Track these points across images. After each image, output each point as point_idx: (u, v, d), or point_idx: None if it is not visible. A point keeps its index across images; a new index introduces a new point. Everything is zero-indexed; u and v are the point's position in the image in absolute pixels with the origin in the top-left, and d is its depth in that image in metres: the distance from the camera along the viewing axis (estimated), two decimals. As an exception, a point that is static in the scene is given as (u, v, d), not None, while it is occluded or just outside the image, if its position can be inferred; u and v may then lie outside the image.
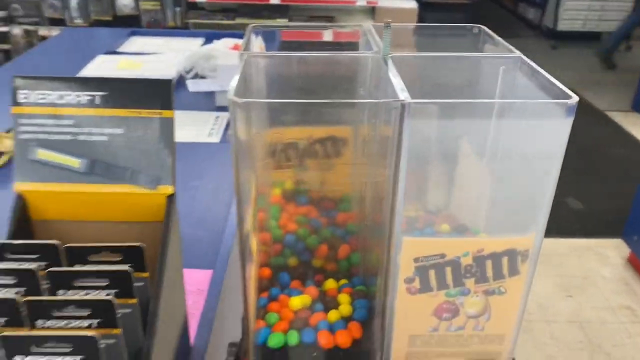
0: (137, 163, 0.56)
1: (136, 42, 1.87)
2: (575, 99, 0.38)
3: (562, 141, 0.39)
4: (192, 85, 1.44)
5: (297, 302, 0.51)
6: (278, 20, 3.05)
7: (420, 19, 3.41)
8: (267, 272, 0.59)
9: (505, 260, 0.44)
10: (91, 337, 0.40)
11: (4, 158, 1.10)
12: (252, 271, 0.49)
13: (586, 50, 4.67)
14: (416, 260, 0.44)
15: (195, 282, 0.80)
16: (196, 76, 1.51)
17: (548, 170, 0.41)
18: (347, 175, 0.63)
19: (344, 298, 0.52)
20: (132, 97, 0.56)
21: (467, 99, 0.41)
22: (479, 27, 0.58)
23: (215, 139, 1.26)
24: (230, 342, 0.54)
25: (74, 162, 0.56)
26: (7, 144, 1.12)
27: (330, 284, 0.55)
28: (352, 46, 0.61)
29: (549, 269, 2.31)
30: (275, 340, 0.47)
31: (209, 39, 1.80)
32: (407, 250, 0.43)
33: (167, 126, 0.56)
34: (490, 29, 0.58)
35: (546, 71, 0.46)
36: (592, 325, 2.02)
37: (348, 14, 3.20)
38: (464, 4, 4.82)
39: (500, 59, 0.49)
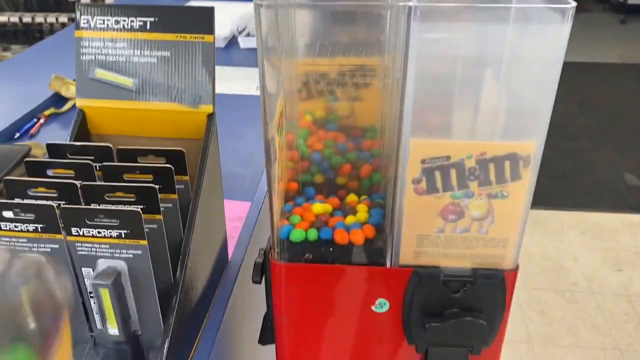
0: (182, 84, 0.62)
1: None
2: (572, 4, 0.41)
3: (561, 46, 0.42)
4: (243, 42, 1.50)
5: (319, 207, 0.56)
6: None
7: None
8: (294, 185, 0.64)
9: (507, 164, 0.47)
10: (136, 212, 0.46)
11: (70, 103, 1.20)
12: (277, 171, 0.54)
13: (657, 25, 4.44)
14: (423, 161, 0.47)
15: (236, 211, 0.87)
16: (248, 35, 1.57)
17: (548, 77, 0.44)
18: (375, 105, 0.67)
19: (362, 207, 0.57)
20: (178, 22, 0.62)
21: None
22: None
23: (263, 92, 1.32)
24: (261, 248, 0.60)
25: (127, 81, 0.63)
26: (73, 90, 1.22)
27: (351, 197, 0.59)
28: None
29: (599, 243, 2.27)
30: (296, 235, 0.53)
31: (262, 2, 1.85)
32: (415, 152, 0.47)
33: (208, 50, 0.62)
34: None
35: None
36: (640, 299, 1.98)
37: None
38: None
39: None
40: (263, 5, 0.44)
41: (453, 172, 0.48)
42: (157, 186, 0.50)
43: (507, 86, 0.47)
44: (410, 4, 0.42)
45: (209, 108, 0.62)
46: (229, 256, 0.75)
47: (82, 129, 0.64)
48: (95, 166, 0.57)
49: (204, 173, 0.58)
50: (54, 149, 0.57)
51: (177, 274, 0.54)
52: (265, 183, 0.93)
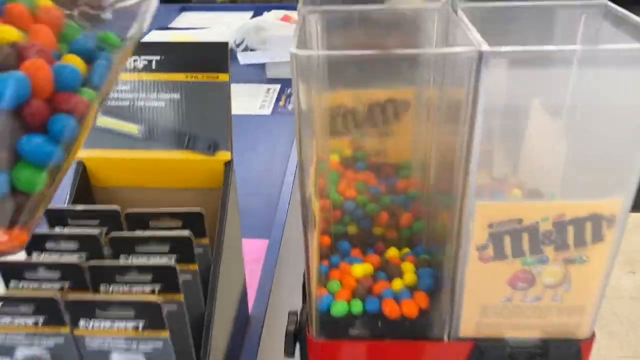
0: (195, 129, 0.55)
1: (187, 18, 1.87)
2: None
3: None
4: (243, 58, 1.43)
5: (360, 270, 0.49)
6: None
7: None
8: (326, 239, 0.57)
9: (588, 225, 0.40)
10: (155, 304, 0.39)
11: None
12: (315, 238, 0.47)
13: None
14: (490, 226, 0.41)
15: (252, 251, 0.80)
16: (246, 49, 1.49)
17: (636, 125, 0.37)
18: (408, 141, 0.60)
19: (407, 266, 0.50)
20: (188, 61, 0.54)
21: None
22: None
23: (267, 111, 1.25)
24: (290, 311, 0.53)
25: (133, 129, 0.55)
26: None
27: (392, 252, 0.52)
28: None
29: (610, 244, 2.21)
30: (338, 309, 0.46)
31: (258, 12, 1.78)
32: (481, 216, 0.40)
33: (224, 90, 0.55)
34: None
35: None
36: (658, 303, 1.93)
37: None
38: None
39: (581, 7, 0.44)
40: (299, 55, 0.37)
41: (525, 237, 0.41)
42: (174, 264, 0.43)
43: (588, 137, 0.40)
44: (483, 49, 0.35)
45: (226, 155, 0.55)
46: (250, 310, 0.68)
47: (83, 182, 0.57)
48: (102, 232, 0.50)
49: (224, 234, 0.51)
50: (52, 215, 0.49)
51: (201, 353, 0.47)
52: (282, 218, 0.86)
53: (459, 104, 0.41)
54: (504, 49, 0.35)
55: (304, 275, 0.50)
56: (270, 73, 1.40)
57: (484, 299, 0.44)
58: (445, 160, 0.52)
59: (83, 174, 0.57)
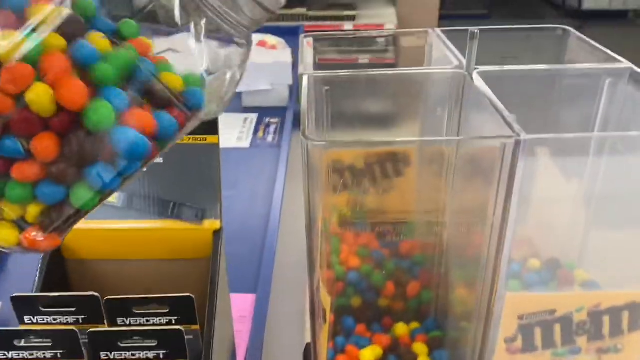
0: (180, 195, 0.50)
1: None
2: None
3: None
4: (218, 86, 1.37)
5: (369, 355, 0.45)
6: (297, 9, 2.97)
7: (441, 2, 3.30)
8: (330, 317, 0.53)
9: (625, 314, 0.37)
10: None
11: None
12: (325, 335, 0.43)
13: (613, 30, 4.51)
14: (520, 317, 0.37)
15: (237, 308, 0.74)
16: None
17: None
18: (410, 198, 0.56)
19: (420, 348, 0.46)
20: (172, 121, 0.49)
21: (579, 131, 0.34)
22: (564, 28, 0.51)
23: (245, 143, 1.20)
24: None
25: (111, 197, 0.50)
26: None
27: (401, 329, 0.48)
28: (416, 52, 0.54)
29: None
30: None
31: (231, 35, 1.73)
32: (511, 308, 0.37)
33: (212, 153, 0.50)
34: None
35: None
36: None
37: (368, 2, 3.10)
38: (485, -15, 4.68)
39: (605, 70, 0.41)
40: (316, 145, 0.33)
41: (557, 328, 0.38)
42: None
43: (624, 226, 0.37)
44: (522, 137, 0.31)
45: (215, 224, 0.50)
46: (239, 380, 0.63)
47: (55, 255, 0.51)
48: (79, 319, 0.44)
49: (215, 318, 0.46)
50: (19, 303, 0.43)
51: None
52: (270, 268, 0.81)
53: (480, 161, 0.37)
54: (545, 136, 0.31)
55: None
56: (247, 102, 1.35)
57: (510, 391, 0.40)
58: (461, 221, 0.48)
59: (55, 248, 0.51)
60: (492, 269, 0.36)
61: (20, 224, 0.29)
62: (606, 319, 0.37)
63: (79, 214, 0.31)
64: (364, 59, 3.18)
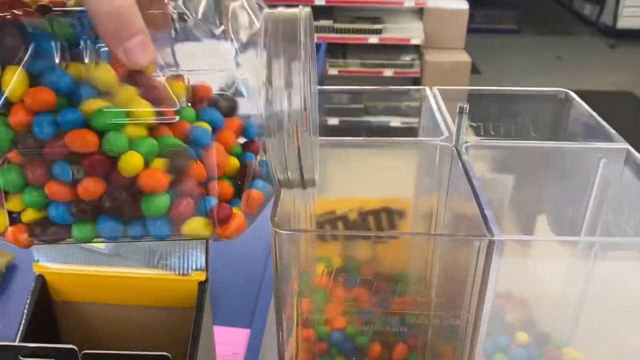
0: (167, 245, 0.50)
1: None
2: None
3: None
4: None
5: None
6: (322, 21, 2.97)
7: (471, 16, 3.27)
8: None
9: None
10: None
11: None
12: None
13: (647, 50, 4.40)
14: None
15: (230, 343, 0.74)
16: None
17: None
18: (404, 252, 0.55)
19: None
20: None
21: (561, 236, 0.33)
22: (566, 92, 0.49)
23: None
24: None
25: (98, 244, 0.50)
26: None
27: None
28: (413, 110, 0.53)
29: None
30: None
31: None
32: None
33: (200, 204, 0.50)
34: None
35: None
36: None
37: (395, 16, 3.09)
38: (515, 0, 4.63)
39: (601, 150, 0.40)
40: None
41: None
42: None
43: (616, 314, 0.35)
44: (495, 238, 0.30)
45: (201, 275, 0.50)
46: (225, 423, 0.62)
47: (43, 297, 0.52)
48: (56, 370, 0.44)
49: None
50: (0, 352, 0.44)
51: None
52: (267, 301, 0.81)
53: (465, 218, 0.36)
54: (518, 237, 0.30)
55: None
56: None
57: None
58: (447, 279, 0.47)
59: (43, 288, 0.51)
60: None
61: (14, 217, 0.31)
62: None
63: (69, 240, 0.32)
64: (388, 72, 3.17)
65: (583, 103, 0.47)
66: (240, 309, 0.78)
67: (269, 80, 0.30)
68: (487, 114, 0.49)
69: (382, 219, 0.56)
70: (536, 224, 0.46)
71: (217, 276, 0.81)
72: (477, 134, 0.48)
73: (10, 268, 0.87)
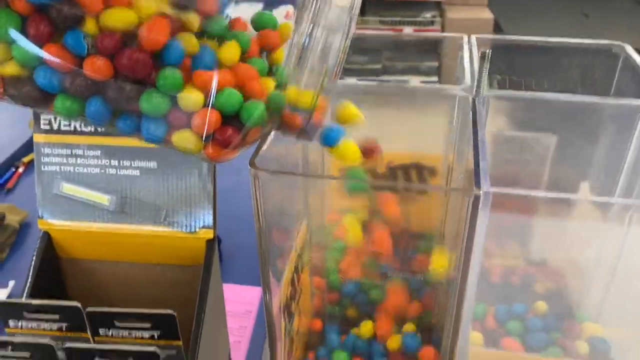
0: (173, 202, 0.48)
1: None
2: None
3: None
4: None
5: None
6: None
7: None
8: (317, 324, 0.51)
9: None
10: None
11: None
12: (283, 349, 0.41)
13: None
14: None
15: (243, 301, 0.73)
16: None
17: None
18: (433, 209, 0.53)
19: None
20: (166, 125, 0.48)
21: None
22: (621, 45, 0.45)
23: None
24: None
25: (103, 199, 0.49)
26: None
27: (393, 343, 0.46)
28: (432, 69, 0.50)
29: None
30: None
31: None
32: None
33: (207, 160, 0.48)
34: None
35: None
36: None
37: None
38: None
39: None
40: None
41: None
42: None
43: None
44: (481, 191, 0.28)
45: (208, 233, 0.48)
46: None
47: (49, 254, 0.51)
48: (62, 326, 0.44)
49: (202, 335, 0.45)
50: (4, 309, 0.43)
51: None
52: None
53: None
54: (508, 191, 0.28)
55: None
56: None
57: None
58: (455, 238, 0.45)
59: (49, 245, 0.50)
60: (452, 319, 0.33)
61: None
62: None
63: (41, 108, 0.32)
64: (408, 29, 3.09)
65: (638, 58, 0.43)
66: (253, 268, 0.77)
67: None
68: (528, 68, 0.46)
69: (412, 175, 0.53)
70: (580, 186, 0.43)
71: (229, 236, 0.80)
72: (518, 88, 0.45)
73: (25, 226, 0.87)
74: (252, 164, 0.34)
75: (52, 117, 0.48)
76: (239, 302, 0.73)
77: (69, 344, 0.40)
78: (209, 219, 0.48)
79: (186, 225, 0.48)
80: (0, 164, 0.99)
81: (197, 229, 0.49)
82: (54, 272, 0.52)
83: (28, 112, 1.09)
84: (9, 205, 0.88)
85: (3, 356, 0.41)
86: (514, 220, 0.32)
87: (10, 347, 0.40)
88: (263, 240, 0.35)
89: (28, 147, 1.05)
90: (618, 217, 0.30)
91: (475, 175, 0.29)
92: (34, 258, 0.50)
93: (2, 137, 1.10)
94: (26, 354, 0.40)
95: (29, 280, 0.49)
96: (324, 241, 0.52)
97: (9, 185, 0.96)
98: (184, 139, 0.30)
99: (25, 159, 1.02)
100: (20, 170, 1.00)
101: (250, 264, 0.78)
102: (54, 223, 0.50)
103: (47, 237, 0.50)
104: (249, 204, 0.93)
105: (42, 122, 0.48)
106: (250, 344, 0.67)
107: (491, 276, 0.44)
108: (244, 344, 0.67)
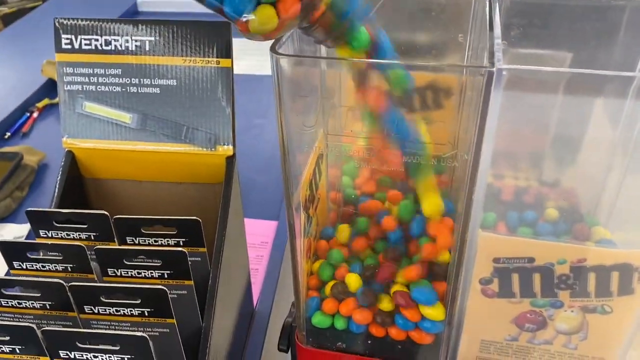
0: (193, 119, 0.50)
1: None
2: None
3: None
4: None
5: (354, 281, 0.45)
6: None
7: None
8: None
9: (615, 275, 0.36)
10: (141, 337, 0.37)
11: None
12: (305, 244, 0.44)
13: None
14: (496, 260, 0.37)
15: (259, 234, 0.76)
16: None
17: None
18: (449, 132, 0.54)
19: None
20: (185, 43, 0.49)
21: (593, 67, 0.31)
22: None
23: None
24: (293, 302, 0.50)
25: (125, 117, 0.51)
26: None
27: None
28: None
29: None
30: (319, 320, 0.43)
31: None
32: (484, 249, 0.36)
33: (225, 78, 0.50)
34: None
35: None
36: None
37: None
38: None
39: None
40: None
41: (537, 277, 0.37)
42: (166, 288, 0.40)
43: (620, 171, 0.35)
44: (495, 67, 0.30)
45: (228, 150, 0.50)
46: (255, 304, 0.65)
47: (73, 173, 0.53)
48: (90, 236, 0.47)
49: (224, 244, 0.47)
50: (36, 217, 0.46)
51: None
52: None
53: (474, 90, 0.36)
54: (519, 67, 0.29)
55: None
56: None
57: (486, 334, 0.41)
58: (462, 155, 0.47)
59: (72, 164, 0.53)
60: (463, 204, 0.35)
61: None
62: (592, 277, 0.37)
63: None
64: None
65: None
66: (268, 203, 0.79)
67: None
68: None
69: (428, 97, 0.54)
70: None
71: (247, 175, 0.82)
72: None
73: (42, 167, 0.89)
74: (272, 49, 0.35)
75: (72, 35, 0.50)
76: (255, 234, 0.75)
77: (98, 247, 0.43)
78: (228, 137, 0.50)
79: (206, 143, 0.50)
80: (14, 109, 1.01)
81: (217, 147, 0.51)
82: (79, 193, 0.54)
83: (40, 57, 1.11)
84: (27, 147, 0.90)
85: (36, 259, 0.44)
86: (531, 100, 0.33)
87: (41, 253, 0.44)
88: (284, 128, 0.36)
89: (41, 92, 1.07)
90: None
91: (489, 53, 0.30)
92: (59, 176, 0.52)
93: (15, 83, 1.12)
94: (59, 255, 0.43)
95: (54, 199, 0.51)
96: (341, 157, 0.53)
97: (24, 129, 0.98)
98: None
99: (39, 104, 1.04)
100: (35, 115, 1.02)
101: (265, 200, 0.80)
102: (77, 143, 0.52)
103: (71, 156, 0.52)
104: (266, 144, 0.94)
105: (63, 41, 0.50)
106: (268, 268, 0.70)
107: (503, 195, 0.45)
108: (261, 271, 0.70)
